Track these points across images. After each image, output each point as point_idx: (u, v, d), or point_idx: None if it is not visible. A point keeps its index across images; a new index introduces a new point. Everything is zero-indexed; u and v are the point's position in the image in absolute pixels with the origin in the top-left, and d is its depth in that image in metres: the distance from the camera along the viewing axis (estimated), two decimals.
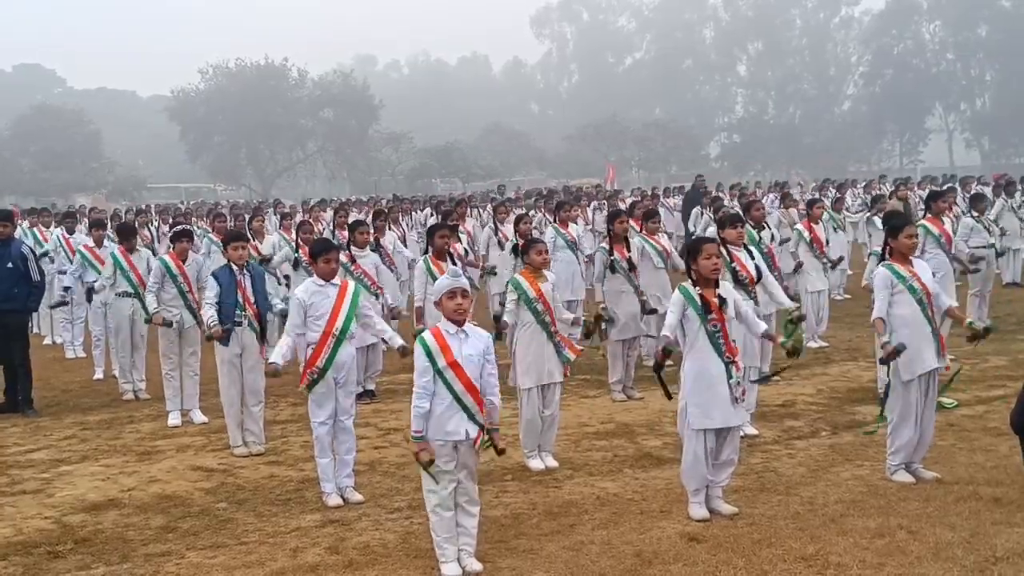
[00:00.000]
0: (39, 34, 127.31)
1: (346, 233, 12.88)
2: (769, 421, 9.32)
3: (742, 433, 8.08)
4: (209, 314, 8.90)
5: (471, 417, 5.95)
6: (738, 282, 8.61)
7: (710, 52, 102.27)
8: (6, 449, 9.31)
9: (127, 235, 11.56)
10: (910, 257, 7.47)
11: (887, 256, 7.49)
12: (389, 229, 14.52)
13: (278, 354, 7.45)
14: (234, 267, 8.94)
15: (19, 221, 15.34)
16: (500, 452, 6.16)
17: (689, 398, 6.76)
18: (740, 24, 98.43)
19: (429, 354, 5.93)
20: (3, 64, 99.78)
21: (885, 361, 7.16)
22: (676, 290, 6.90)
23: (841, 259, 14.04)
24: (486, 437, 6.01)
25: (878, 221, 14.45)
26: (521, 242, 10.13)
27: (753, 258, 9.06)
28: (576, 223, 14.94)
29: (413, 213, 24.03)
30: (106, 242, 12.99)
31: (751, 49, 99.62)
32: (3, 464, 8.77)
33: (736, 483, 7.26)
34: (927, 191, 21.63)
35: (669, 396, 7.03)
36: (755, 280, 8.91)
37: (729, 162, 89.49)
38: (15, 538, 6.84)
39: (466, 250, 14.24)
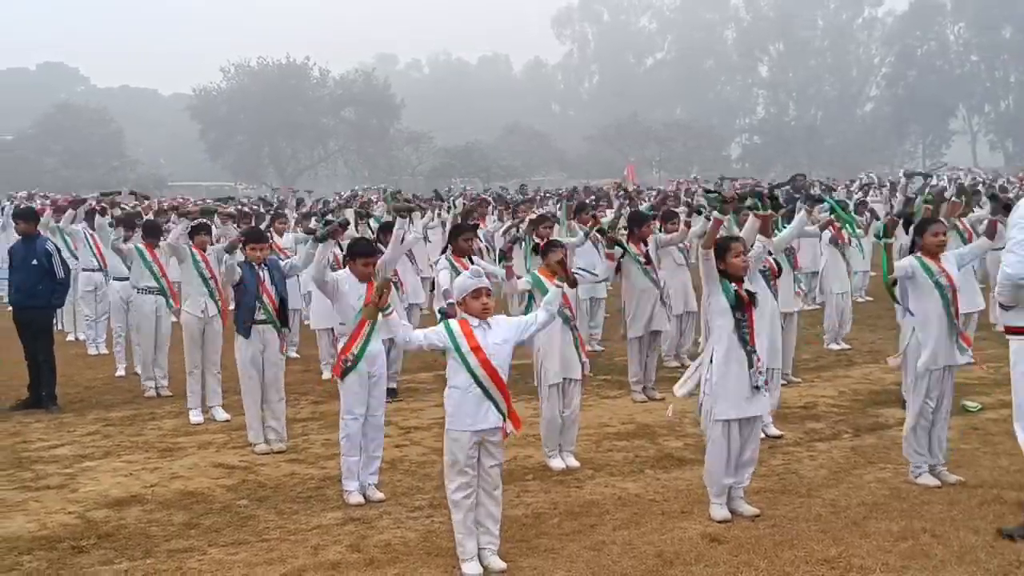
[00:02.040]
0: (63, 33, 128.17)
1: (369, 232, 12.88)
2: (790, 423, 9.28)
3: (764, 434, 8.08)
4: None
5: (496, 406, 5.97)
6: (762, 276, 8.62)
7: (731, 53, 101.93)
8: (30, 444, 9.38)
9: (153, 234, 11.62)
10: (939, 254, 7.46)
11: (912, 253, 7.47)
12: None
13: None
14: (254, 264, 8.99)
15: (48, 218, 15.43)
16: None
17: (717, 391, 6.75)
18: (762, 25, 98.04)
19: (452, 337, 6.00)
20: (27, 63, 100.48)
21: None
22: (719, 279, 6.83)
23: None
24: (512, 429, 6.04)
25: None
26: (541, 243, 10.11)
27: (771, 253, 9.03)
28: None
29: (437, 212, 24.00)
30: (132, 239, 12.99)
31: (772, 50, 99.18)
32: (27, 459, 8.83)
33: (757, 484, 7.24)
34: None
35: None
36: (778, 274, 8.89)
37: (750, 163, 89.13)
38: (39, 532, 6.89)
39: (484, 249, 14.25)
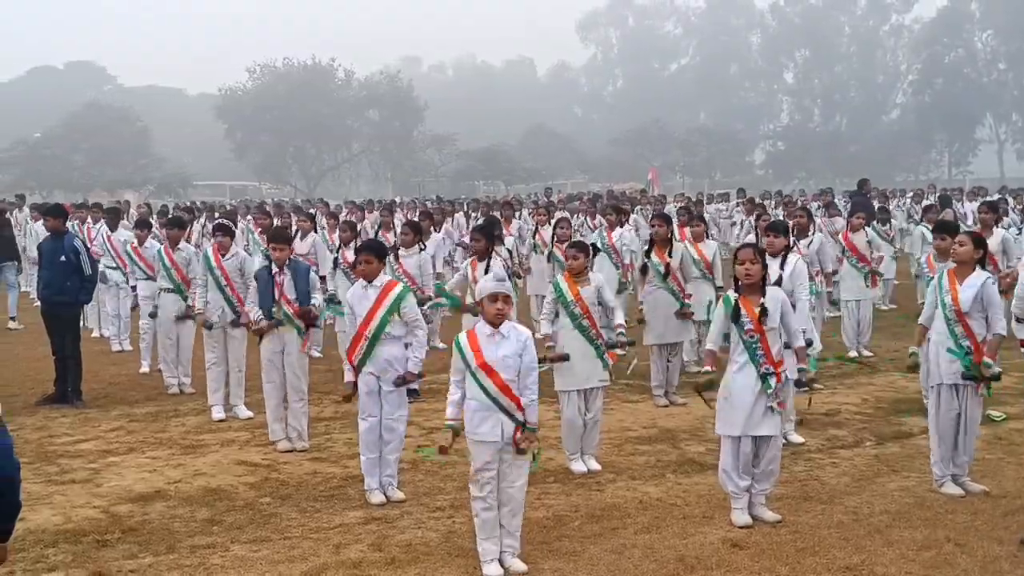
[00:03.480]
0: (91, 32, 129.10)
1: (391, 235, 12.96)
2: (813, 430, 9.25)
3: (786, 440, 8.06)
4: (254, 313, 9.00)
5: (510, 416, 5.98)
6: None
7: (756, 58, 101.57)
8: (56, 439, 9.45)
9: (178, 227, 11.71)
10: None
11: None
12: (434, 230, 14.59)
13: (349, 370, 7.63)
14: (274, 267, 9.02)
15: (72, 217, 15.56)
16: (521, 452, 6.07)
17: (723, 405, 6.78)
18: (787, 30, 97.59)
19: (462, 354, 6.05)
20: (56, 61, 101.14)
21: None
22: (720, 300, 6.91)
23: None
24: (522, 436, 6.01)
25: (927, 232, 14.32)
26: (561, 247, 10.15)
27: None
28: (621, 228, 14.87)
29: (455, 215, 24.11)
30: (149, 241, 13.07)
31: (798, 56, 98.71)
32: (53, 453, 8.90)
33: (779, 491, 7.22)
34: (976, 202, 21.38)
35: (710, 406, 7.01)
36: None
37: (773, 169, 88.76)
38: (65, 526, 6.95)
39: (509, 252, 14.24)
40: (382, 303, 7.52)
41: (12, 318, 16.96)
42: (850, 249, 13.49)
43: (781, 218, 16.35)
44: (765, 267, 6.96)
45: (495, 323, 6.05)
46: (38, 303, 12.67)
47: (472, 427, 6.04)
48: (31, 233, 19.32)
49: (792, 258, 9.06)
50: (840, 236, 13.98)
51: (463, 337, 6.12)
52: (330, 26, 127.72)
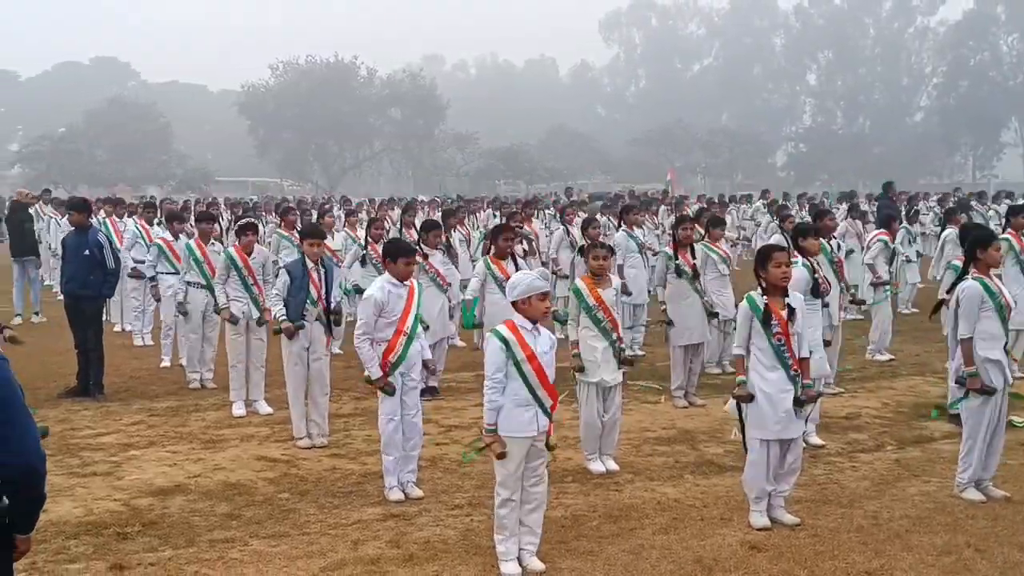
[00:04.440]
0: (116, 28, 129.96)
1: (414, 232, 12.98)
2: (833, 433, 9.21)
3: (806, 443, 8.02)
4: (278, 308, 9.02)
5: (545, 411, 6.00)
6: (817, 293, 8.59)
7: (779, 60, 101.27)
8: (78, 432, 9.52)
9: (209, 222, 11.77)
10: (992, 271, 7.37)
11: (968, 269, 7.35)
12: (455, 229, 14.60)
13: (375, 367, 7.46)
14: (308, 262, 9.05)
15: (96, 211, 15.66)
16: (549, 447, 6.16)
17: (751, 408, 6.73)
18: (811, 32, 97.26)
19: (508, 347, 5.97)
20: (81, 57, 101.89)
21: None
22: (743, 300, 6.86)
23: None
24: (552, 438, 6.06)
25: (951, 234, 14.23)
26: (586, 244, 10.13)
27: (818, 269, 9.02)
28: (642, 227, 14.89)
29: (478, 214, 24.17)
30: (181, 235, 13.18)
31: (821, 58, 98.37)
32: (75, 446, 8.96)
33: (798, 494, 7.20)
34: (1005, 206, 21.22)
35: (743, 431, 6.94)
36: (828, 289, 8.86)
37: (795, 171, 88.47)
38: (86, 518, 7.00)
39: (524, 252, 14.26)
40: (412, 300, 7.60)
41: (36, 312, 17.09)
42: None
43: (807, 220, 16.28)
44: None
45: (538, 320, 6.07)
46: (61, 297, 12.77)
47: (509, 425, 5.98)
48: (56, 227, 19.47)
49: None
50: (867, 240, 13.90)
51: (504, 329, 6.06)
52: (353, 24, 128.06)
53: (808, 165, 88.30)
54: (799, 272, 8.38)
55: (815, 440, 8.74)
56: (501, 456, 5.94)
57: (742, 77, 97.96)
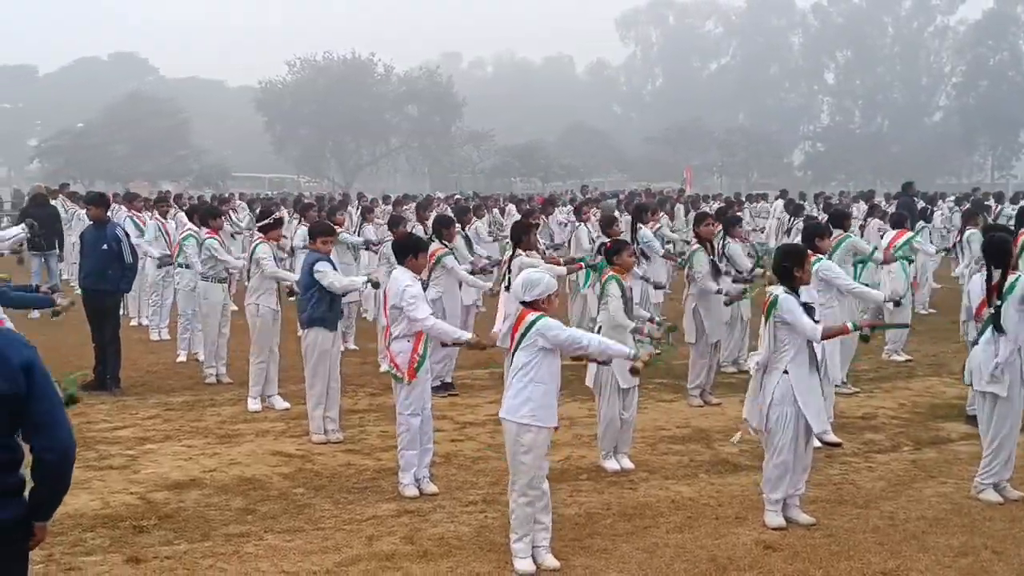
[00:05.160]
0: (135, 23, 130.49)
1: (429, 227, 13.00)
2: (849, 433, 9.17)
3: (820, 441, 7.98)
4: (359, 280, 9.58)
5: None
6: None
7: (797, 58, 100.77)
8: (94, 425, 9.55)
9: (213, 215, 11.81)
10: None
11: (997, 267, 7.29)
12: (468, 226, 14.60)
13: (460, 333, 7.74)
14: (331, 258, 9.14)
15: (114, 206, 15.71)
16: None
17: (802, 400, 6.64)
18: (829, 31, 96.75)
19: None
20: (100, 53, 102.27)
21: None
22: (785, 297, 6.74)
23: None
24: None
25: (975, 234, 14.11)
26: (608, 243, 10.10)
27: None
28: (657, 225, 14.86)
29: (494, 211, 24.16)
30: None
31: (839, 56, 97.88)
32: (92, 439, 8.99)
33: (814, 494, 7.18)
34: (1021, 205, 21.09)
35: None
36: None
37: (813, 171, 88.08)
38: (103, 511, 7.04)
39: (546, 248, 14.28)
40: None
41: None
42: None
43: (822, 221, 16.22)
44: None
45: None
46: (78, 290, 12.79)
47: (544, 414, 6.00)
48: (79, 221, 19.52)
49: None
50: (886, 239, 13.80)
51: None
52: (370, 21, 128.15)
53: (825, 165, 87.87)
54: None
55: (830, 438, 8.66)
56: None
57: (759, 76, 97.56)
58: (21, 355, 3.57)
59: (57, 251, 17.63)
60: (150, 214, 15.88)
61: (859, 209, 24.51)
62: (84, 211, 18.60)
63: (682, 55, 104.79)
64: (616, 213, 17.91)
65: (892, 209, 19.71)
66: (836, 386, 9.12)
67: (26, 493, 3.70)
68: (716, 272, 10.64)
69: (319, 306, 8.94)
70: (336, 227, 14.23)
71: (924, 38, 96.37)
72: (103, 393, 10.85)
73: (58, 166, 69.05)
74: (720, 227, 11.70)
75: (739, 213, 17.93)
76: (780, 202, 26.17)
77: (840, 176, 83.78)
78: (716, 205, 25.37)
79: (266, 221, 10.76)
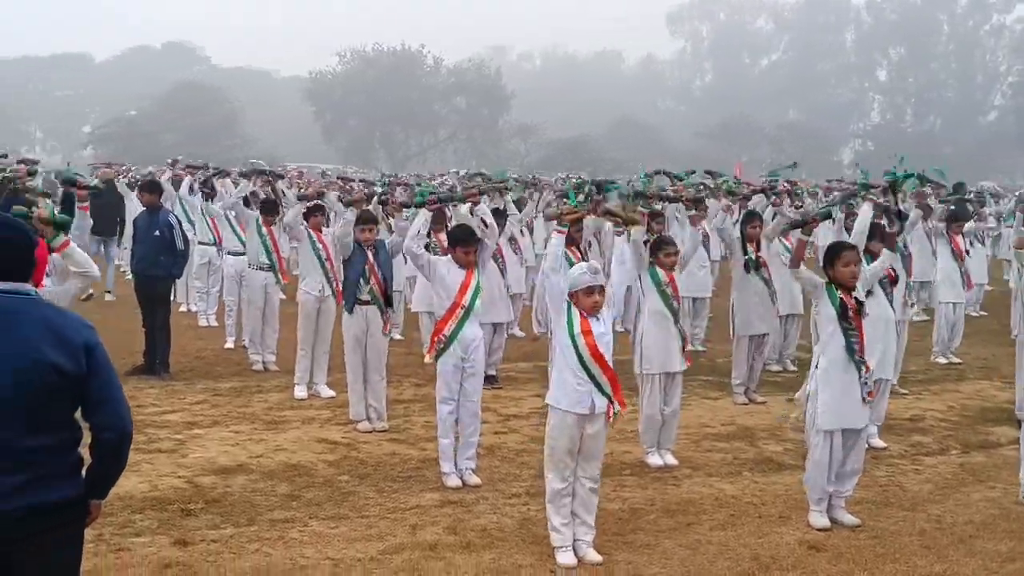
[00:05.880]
0: (188, 12, 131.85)
1: None
2: (896, 435, 9.09)
3: (868, 444, 7.92)
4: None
5: (599, 388, 6.00)
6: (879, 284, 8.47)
7: (849, 55, 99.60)
8: (144, 409, 9.68)
9: (270, 210, 11.90)
10: None
11: None
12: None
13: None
14: (364, 247, 9.14)
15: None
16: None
17: (821, 398, 6.66)
18: (883, 28, 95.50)
19: (568, 313, 6.10)
20: (154, 41, 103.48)
21: None
22: (824, 287, 6.75)
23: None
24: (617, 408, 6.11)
25: None
26: (651, 240, 10.07)
27: None
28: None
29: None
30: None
31: (893, 54, 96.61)
32: (141, 423, 9.09)
33: (860, 495, 7.12)
34: None
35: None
36: (895, 281, 8.74)
37: (862, 168, 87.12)
38: (151, 494, 7.14)
39: (589, 243, 14.22)
40: (472, 277, 7.67)
41: (107, 291, 17.39)
42: (956, 250, 13.15)
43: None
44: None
45: (591, 314, 6.09)
46: (129, 276, 12.98)
47: (560, 396, 6.06)
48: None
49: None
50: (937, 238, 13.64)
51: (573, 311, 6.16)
52: (420, 12, 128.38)
53: (875, 163, 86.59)
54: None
55: (876, 442, 8.63)
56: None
57: (810, 72, 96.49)
58: (82, 335, 3.65)
59: (117, 236, 17.86)
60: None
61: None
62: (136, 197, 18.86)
63: (732, 50, 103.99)
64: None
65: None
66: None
67: (83, 472, 3.77)
68: (759, 265, 10.57)
69: (344, 291, 9.13)
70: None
71: (980, 36, 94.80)
72: (152, 378, 11.01)
73: (111, 153, 69.91)
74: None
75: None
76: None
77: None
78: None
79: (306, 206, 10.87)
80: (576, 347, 6.02)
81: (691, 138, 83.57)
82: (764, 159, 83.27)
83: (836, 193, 13.64)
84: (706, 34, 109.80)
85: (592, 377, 6.02)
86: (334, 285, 10.35)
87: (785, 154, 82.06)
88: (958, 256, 13.12)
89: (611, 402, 6.07)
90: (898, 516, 6.91)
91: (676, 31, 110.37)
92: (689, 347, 8.64)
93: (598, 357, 6.02)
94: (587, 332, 6.02)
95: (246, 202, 13.21)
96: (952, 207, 13.81)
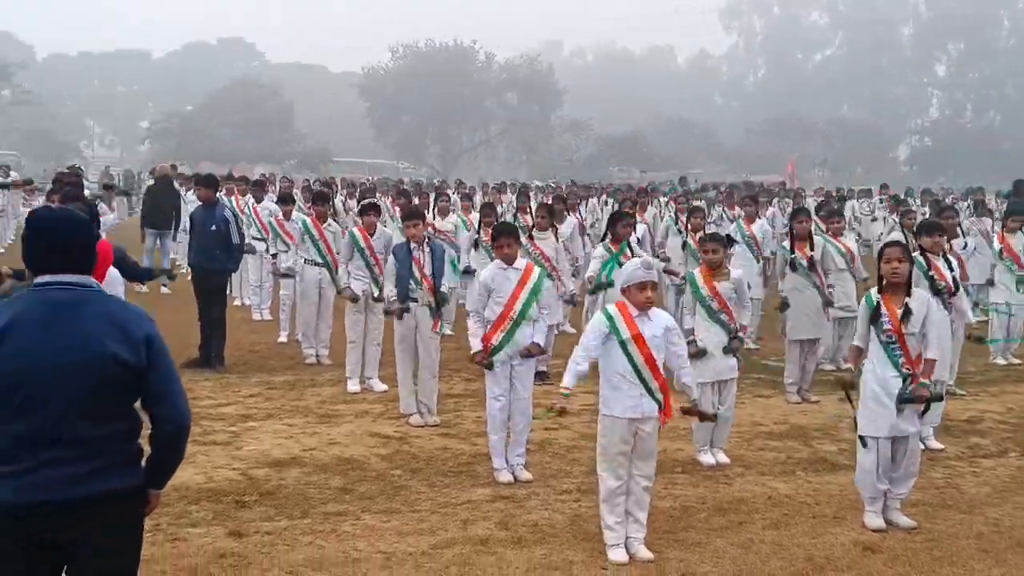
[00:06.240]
0: (243, 8, 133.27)
1: (528, 217, 13.05)
2: (953, 436, 8.95)
3: (924, 446, 7.81)
4: (389, 289, 9.17)
5: (650, 393, 5.97)
6: (936, 292, 8.31)
7: (906, 50, 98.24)
8: (199, 401, 9.79)
9: (324, 203, 12.00)
10: None
11: None
12: (569, 215, 14.57)
13: (477, 340, 7.64)
14: (412, 244, 9.17)
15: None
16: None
17: (864, 404, 6.62)
18: (942, 22, 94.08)
19: (612, 324, 6.05)
20: (210, 37, 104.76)
21: None
22: (863, 298, 6.76)
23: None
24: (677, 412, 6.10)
25: None
26: (695, 237, 10.05)
27: (952, 269, 8.75)
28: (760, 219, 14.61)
29: (588, 200, 24.08)
30: (294, 215, 13.50)
31: (952, 49, 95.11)
32: (197, 415, 9.13)
33: (916, 497, 7.03)
34: None
35: (851, 404, 6.85)
36: (953, 291, 8.59)
37: (919, 165, 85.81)
38: (206, 485, 7.24)
39: (639, 240, 14.16)
40: (525, 285, 7.63)
41: (164, 284, 17.64)
42: (1007, 251, 12.92)
43: (928, 217, 15.81)
44: (912, 266, 6.78)
45: (643, 310, 6.06)
46: (183, 269, 13.15)
47: (610, 404, 6.05)
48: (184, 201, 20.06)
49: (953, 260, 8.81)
50: (996, 238, 13.41)
51: (613, 308, 6.15)
52: (472, 8, 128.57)
53: (933, 160, 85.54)
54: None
55: (933, 444, 8.51)
56: (562, 412, 6.26)
57: (865, 68, 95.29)
58: (142, 328, 3.72)
59: (172, 230, 18.12)
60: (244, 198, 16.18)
61: (964, 207, 23.83)
62: (187, 192, 19.15)
63: (786, 45, 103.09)
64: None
65: (998, 208, 19.14)
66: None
67: (142, 462, 3.84)
68: (811, 267, 10.45)
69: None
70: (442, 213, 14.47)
71: None
72: (207, 370, 11.14)
73: (167, 147, 70.96)
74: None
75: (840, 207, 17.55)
76: (878, 198, 25.69)
77: (948, 172, 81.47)
78: (816, 200, 24.90)
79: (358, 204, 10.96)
80: (628, 353, 6.00)
81: (743, 135, 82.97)
82: (816, 156, 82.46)
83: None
84: (759, 29, 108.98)
85: (644, 382, 5.99)
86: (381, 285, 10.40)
87: (838, 152, 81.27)
88: (1012, 256, 12.85)
89: (661, 409, 6.04)
90: (955, 519, 6.81)
91: (729, 26, 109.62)
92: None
93: (651, 362, 5.99)
94: (637, 336, 6.00)
95: (291, 199, 13.38)
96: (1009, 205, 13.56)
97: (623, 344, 6.00)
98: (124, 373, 3.64)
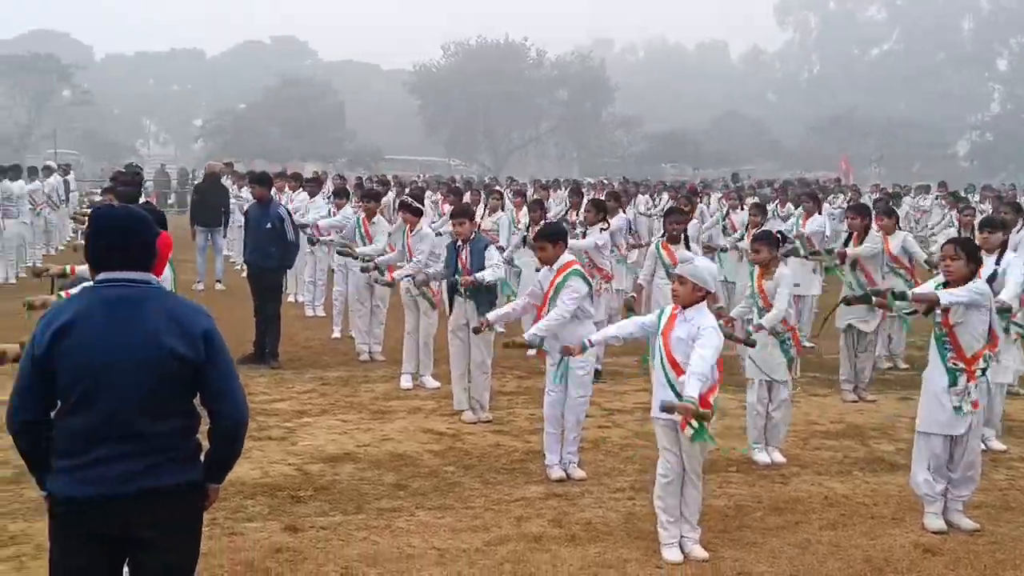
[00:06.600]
0: (298, 7, 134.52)
1: (573, 213, 13.04)
2: (1016, 437, 8.79)
3: (985, 446, 7.67)
4: (363, 249, 10.04)
5: (676, 393, 5.92)
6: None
7: (966, 45, 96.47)
8: (254, 397, 9.85)
9: (373, 200, 12.06)
10: None
11: None
12: (621, 211, 14.49)
13: (495, 313, 8.04)
14: (458, 241, 9.23)
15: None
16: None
17: (921, 401, 6.62)
18: (1002, 16, 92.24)
19: (659, 317, 6.19)
20: (264, 36, 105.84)
21: None
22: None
23: None
24: (694, 423, 5.77)
25: None
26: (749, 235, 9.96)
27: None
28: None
29: (638, 196, 24.00)
30: (347, 210, 13.57)
31: (1013, 43, 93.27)
32: (252, 411, 9.13)
33: (977, 498, 6.90)
34: None
35: None
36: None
37: (979, 162, 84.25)
38: (262, 480, 7.30)
39: (686, 236, 14.06)
40: (553, 284, 7.60)
41: (218, 280, 17.85)
42: None
43: (989, 213, 15.50)
44: (969, 263, 6.64)
45: (683, 307, 6.04)
46: (238, 267, 13.27)
47: (653, 400, 6.08)
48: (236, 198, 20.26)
49: (1009, 255, 8.59)
50: None
51: (669, 309, 6.18)
52: (524, 5, 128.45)
53: (994, 156, 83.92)
54: None
55: (995, 445, 8.35)
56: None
57: (923, 63, 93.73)
58: (201, 323, 3.75)
59: (222, 227, 18.31)
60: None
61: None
62: (239, 190, 19.35)
63: (841, 41, 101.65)
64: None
65: None
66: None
67: (201, 457, 3.88)
68: (855, 265, 10.35)
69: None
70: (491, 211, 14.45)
71: None
72: (262, 366, 11.24)
73: (220, 146, 71.67)
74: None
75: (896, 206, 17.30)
76: (936, 195, 25.31)
77: (1010, 167, 79.96)
78: (872, 196, 24.59)
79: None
80: (657, 348, 6.07)
81: (797, 132, 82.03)
82: (872, 152, 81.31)
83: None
84: (815, 24, 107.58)
85: (669, 381, 5.95)
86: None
87: (894, 149, 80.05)
88: None
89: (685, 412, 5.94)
90: (1018, 521, 6.68)
91: (784, 21, 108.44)
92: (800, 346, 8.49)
93: (672, 362, 5.94)
94: (664, 334, 6.02)
95: (345, 193, 13.45)
96: None
97: (660, 336, 6.06)
98: (182, 368, 3.67)
